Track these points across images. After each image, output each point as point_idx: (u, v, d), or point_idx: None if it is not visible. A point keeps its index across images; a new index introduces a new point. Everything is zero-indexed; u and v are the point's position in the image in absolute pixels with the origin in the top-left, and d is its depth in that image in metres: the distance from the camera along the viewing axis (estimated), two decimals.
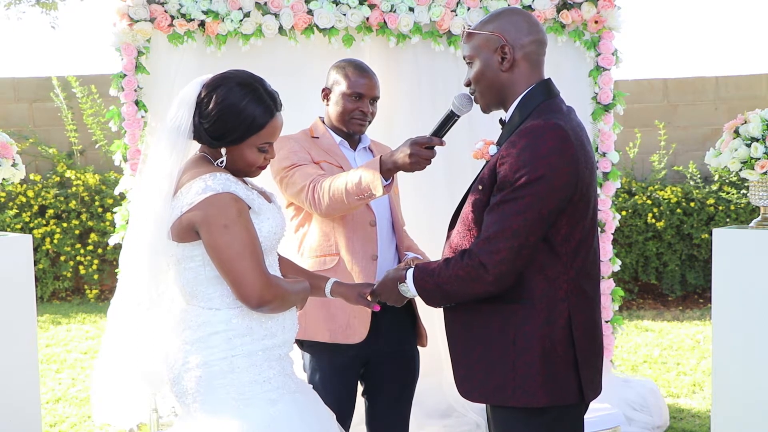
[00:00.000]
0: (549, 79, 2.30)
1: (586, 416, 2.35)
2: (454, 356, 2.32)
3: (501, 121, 2.33)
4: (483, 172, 2.23)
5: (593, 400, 2.29)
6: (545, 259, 2.16)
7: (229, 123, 2.19)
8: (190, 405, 2.23)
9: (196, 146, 2.31)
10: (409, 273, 2.33)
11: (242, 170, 2.29)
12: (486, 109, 2.35)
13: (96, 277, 8.02)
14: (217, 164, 2.23)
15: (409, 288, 2.34)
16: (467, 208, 2.25)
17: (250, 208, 2.19)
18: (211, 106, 2.19)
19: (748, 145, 3.35)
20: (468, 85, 2.34)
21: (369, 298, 2.52)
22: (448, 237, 2.34)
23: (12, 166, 3.60)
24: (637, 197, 7.84)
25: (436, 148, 2.53)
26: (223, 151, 2.23)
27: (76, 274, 8.16)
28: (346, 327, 2.89)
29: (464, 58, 2.33)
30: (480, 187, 2.21)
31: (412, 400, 3.09)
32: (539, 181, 2.08)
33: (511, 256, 2.11)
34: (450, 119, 2.46)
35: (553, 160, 2.09)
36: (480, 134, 4.27)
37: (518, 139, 2.12)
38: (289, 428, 2.17)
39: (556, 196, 2.10)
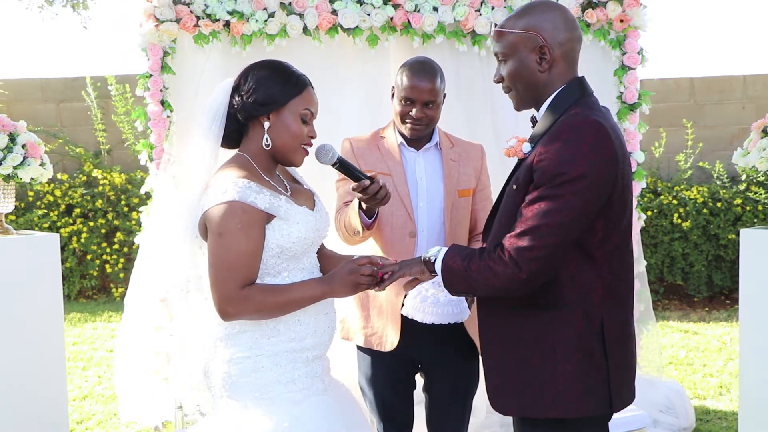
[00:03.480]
0: (582, 77, 2.19)
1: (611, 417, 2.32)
2: (488, 367, 2.22)
3: (532, 119, 2.24)
4: (518, 172, 2.13)
5: (622, 410, 2.20)
6: (581, 263, 2.07)
7: (271, 84, 2.22)
8: (218, 400, 2.26)
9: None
10: (443, 249, 2.21)
11: (288, 149, 2.26)
12: (519, 107, 2.25)
13: (122, 275, 8.09)
14: (264, 145, 2.22)
15: (437, 255, 2.20)
16: (504, 208, 2.17)
17: (274, 216, 2.17)
18: (249, 83, 2.23)
19: None
20: (500, 82, 2.23)
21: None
22: (483, 241, 2.29)
23: (40, 165, 3.64)
24: (662, 197, 7.77)
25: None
26: (266, 124, 2.22)
27: (102, 273, 8.25)
28: (380, 334, 2.88)
29: (496, 55, 2.21)
30: (515, 187, 2.10)
31: (465, 404, 2.98)
32: (580, 180, 1.97)
33: (545, 255, 2.00)
34: (341, 168, 2.42)
35: (594, 158, 1.99)
36: (506, 133, 4.26)
37: (558, 135, 2.02)
38: (312, 429, 2.17)
39: (596, 195, 2.01)
